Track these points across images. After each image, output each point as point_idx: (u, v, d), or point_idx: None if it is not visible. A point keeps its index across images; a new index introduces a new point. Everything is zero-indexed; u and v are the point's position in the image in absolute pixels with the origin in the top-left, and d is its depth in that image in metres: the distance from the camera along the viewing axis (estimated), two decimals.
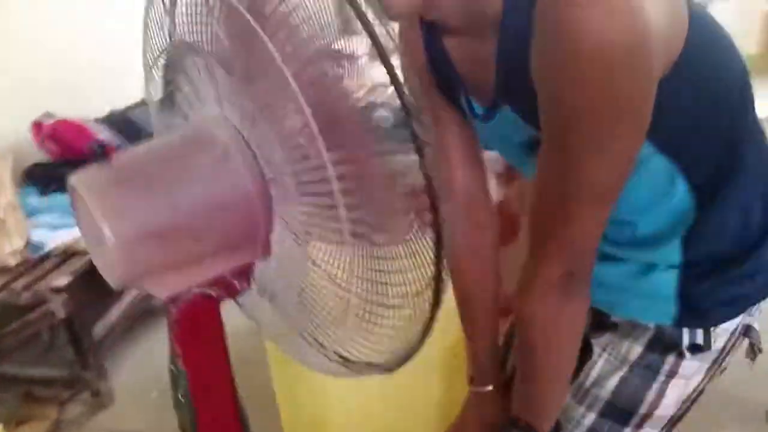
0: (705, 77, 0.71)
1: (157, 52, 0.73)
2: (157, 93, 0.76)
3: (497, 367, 1.00)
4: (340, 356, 0.73)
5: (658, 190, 0.76)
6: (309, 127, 0.56)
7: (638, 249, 0.83)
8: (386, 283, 0.65)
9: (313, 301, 0.72)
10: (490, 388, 0.98)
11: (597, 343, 0.89)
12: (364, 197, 0.59)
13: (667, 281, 0.82)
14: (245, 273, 0.70)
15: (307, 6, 0.60)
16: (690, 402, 0.89)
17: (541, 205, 0.72)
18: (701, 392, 0.89)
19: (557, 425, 0.89)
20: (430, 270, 0.62)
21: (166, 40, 0.72)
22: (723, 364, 0.87)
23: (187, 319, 0.67)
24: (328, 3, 0.60)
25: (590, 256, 0.73)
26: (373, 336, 0.68)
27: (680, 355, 0.84)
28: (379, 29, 0.56)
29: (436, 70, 0.81)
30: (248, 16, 0.57)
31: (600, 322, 0.90)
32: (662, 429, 0.90)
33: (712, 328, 0.83)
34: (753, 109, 0.80)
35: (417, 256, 0.63)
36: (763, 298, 0.84)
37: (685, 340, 0.83)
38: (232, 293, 0.71)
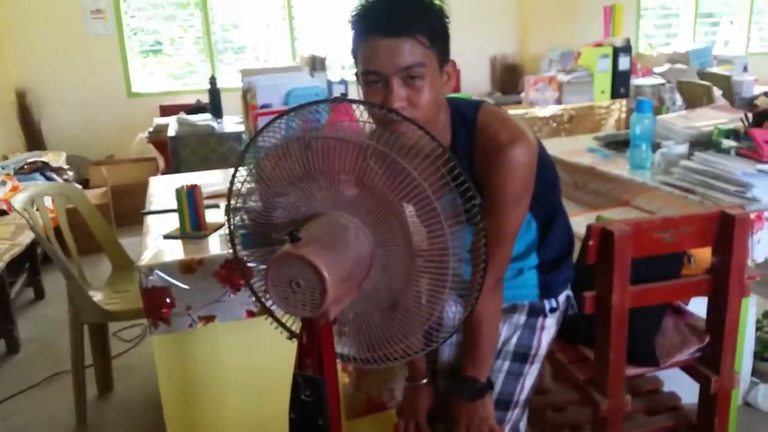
0: (545, 167, 1.33)
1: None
2: None
3: (429, 365, 1.45)
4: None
5: (523, 228, 1.33)
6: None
7: (514, 262, 1.39)
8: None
9: None
10: (425, 381, 1.44)
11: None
12: None
13: (532, 276, 1.44)
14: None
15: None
16: (551, 342, 1.50)
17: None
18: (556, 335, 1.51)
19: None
20: None
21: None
22: (561, 317, 1.50)
23: (328, 337, 1.03)
24: None
25: (505, 270, 1.32)
26: None
27: (545, 316, 1.46)
28: None
29: None
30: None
31: None
32: (542, 363, 1.48)
33: (557, 298, 1.47)
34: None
35: None
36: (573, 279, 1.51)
37: (547, 307, 1.46)
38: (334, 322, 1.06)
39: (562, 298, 1.50)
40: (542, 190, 1.33)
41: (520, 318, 1.45)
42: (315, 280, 0.91)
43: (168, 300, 1.55)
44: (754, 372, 2.37)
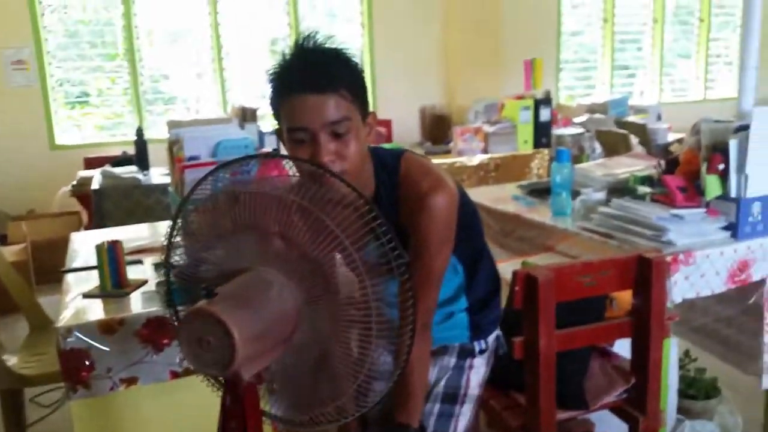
0: (467, 212, 1.39)
1: None
2: None
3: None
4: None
5: (450, 272, 1.39)
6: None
7: (444, 306, 1.44)
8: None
9: None
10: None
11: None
12: None
13: (462, 318, 1.48)
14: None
15: None
16: (483, 384, 1.53)
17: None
18: (485, 380, 1.54)
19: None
20: None
21: None
22: (491, 360, 1.55)
23: (252, 398, 1.01)
24: None
25: (433, 314, 1.35)
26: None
27: (473, 356, 1.50)
28: None
29: None
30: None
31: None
32: (475, 403, 1.50)
33: (486, 338, 1.52)
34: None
35: None
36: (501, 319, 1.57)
37: (477, 348, 1.50)
38: (261, 380, 1.06)
39: (491, 338, 1.55)
40: (465, 233, 1.39)
41: (450, 360, 1.49)
42: (224, 339, 0.88)
43: (87, 362, 1.48)
44: (680, 410, 2.44)
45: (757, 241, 2.06)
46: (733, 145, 1.99)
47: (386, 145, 1.50)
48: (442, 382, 1.47)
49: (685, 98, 7.77)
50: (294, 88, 1.15)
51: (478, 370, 1.50)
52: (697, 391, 2.47)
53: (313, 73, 1.14)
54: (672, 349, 2.27)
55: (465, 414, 1.46)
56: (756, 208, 2.05)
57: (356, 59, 1.23)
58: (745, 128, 2.00)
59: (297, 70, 1.16)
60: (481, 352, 1.52)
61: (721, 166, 2.03)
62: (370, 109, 1.27)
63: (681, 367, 2.50)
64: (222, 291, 0.95)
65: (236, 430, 0.98)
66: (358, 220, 1.01)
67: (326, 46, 1.20)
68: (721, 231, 2.05)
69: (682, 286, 1.98)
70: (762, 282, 2.15)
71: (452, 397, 1.46)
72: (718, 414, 2.46)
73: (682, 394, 2.44)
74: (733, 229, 2.04)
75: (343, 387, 1.07)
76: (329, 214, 0.99)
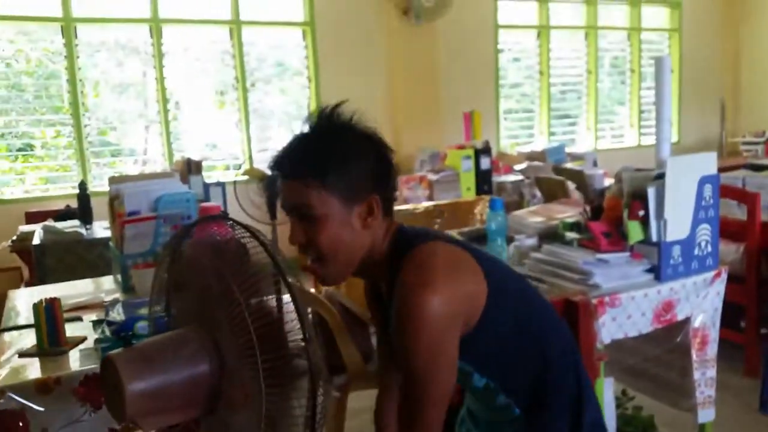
0: (505, 328, 1.17)
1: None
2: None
3: None
4: None
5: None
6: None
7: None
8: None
9: None
10: None
11: None
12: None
13: None
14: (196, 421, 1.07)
15: None
16: None
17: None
18: None
19: None
20: None
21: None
22: None
23: None
24: None
25: None
26: None
27: None
28: None
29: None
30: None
31: None
32: None
33: None
34: (560, 347, 1.24)
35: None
36: None
37: None
38: None
39: None
40: (509, 357, 1.19)
41: None
42: (121, 386, 0.92)
43: (21, 423, 1.46)
44: None
45: (679, 282, 2.19)
46: (651, 192, 2.13)
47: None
48: None
49: (621, 144, 8.15)
50: (277, 170, 1.18)
51: None
52: (635, 429, 2.55)
53: (283, 157, 1.16)
54: (607, 389, 2.35)
55: None
56: (676, 251, 2.18)
57: (357, 142, 1.19)
58: (662, 176, 2.14)
59: (282, 154, 1.18)
60: None
61: (641, 213, 2.17)
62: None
63: (618, 405, 2.58)
64: (137, 344, 0.99)
65: None
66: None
67: (333, 121, 1.19)
68: (644, 273, 2.17)
69: (610, 327, 2.08)
70: (686, 321, 2.27)
71: None
72: None
73: None
74: (656, 272, 2.16)
75: None
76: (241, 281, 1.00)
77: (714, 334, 2.34)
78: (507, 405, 1.20)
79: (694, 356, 2.30)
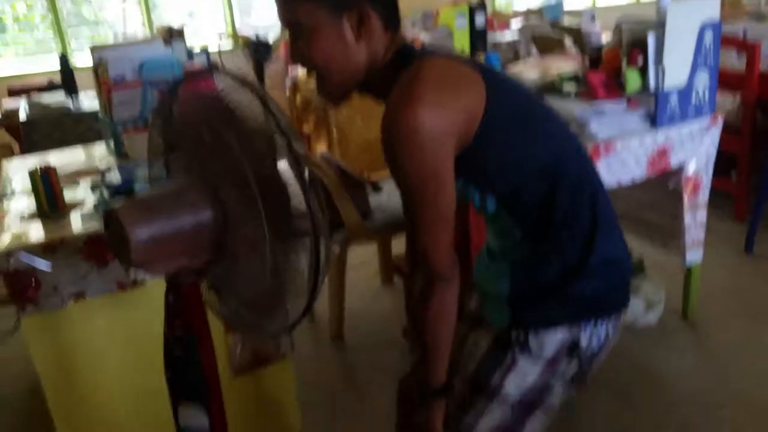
0: (507, 142, 1.07)
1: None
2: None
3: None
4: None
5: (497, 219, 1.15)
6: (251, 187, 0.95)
7: (491, 260, 1.20)
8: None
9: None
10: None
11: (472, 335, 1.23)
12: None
13: (501, 288, 1.16)
14: (205, 266, 1.06)
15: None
16: (536, 392, 1.16)
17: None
18: (545, 389, 1.16)
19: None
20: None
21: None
22: (557, 370, 1.15)
23: (193, 297, 1.06)
24: None
25: (443, 263, 1.07)
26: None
27: (512, 351, 1.14)
28: None
29: None
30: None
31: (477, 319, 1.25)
32: (513, 407, 1.17)
33: (537, 336, 1.13)
34: (575, 173, 1.12)
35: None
36: (578, 322, 1.13)
37: (512, 337, 1.14)
38: (200, 280, 1.09)
39: (553, 341, 1.13)
40: (515, 173, 1.09)
41: (486, 339, 1.20)
42: (125, 236, 0.93)
43: (33, 281, 1.50)
44: None
45: (674, 129, 2.19)
46: (650, 39, 2.07)
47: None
48: (473, 364, 1.19)
49: (619, 1, 7.84)
50: None
51: (521, 374, 1.15)
52: None
53: None
54: None
55: (492, 413, 1.17)
56: (673, 98, 2.16)
57: None
58: (662, 24, 2.07)
59: None
60: (525, 350, 1.14)
61: (640, 61, 2.12)
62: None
63: None
64: (137, 195, 1.00)
65: (180, 327, 1.04)
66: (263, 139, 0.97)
67: None
68: (641, 122, 2.16)
69: (604, 175, 2.09)
70: (680, 169, 2.29)
71: (478, 386, 1.18)
72: (643, 290, 2.66)
73: None
74: (652, 119, 2.15)
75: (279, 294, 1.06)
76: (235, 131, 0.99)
77: (706, 181, 2.37)
78: (512, 228, 1.13)
79: (685, 201, 2.34)
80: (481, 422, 1.17)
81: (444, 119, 1.00)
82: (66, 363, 1.62)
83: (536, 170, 1.09)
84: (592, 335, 1.14)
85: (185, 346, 1.04)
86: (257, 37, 3.76)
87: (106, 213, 0.96)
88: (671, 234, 2.48)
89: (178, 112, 1.12)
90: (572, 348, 1.13)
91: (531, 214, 1.11)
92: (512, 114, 1.09)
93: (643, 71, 2.15)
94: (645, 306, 2.62)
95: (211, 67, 1.11)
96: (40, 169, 1.66)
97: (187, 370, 1.05)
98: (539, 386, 1.15)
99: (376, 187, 2.78)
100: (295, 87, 3.97)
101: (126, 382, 1.70)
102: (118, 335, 1.66)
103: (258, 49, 3.51)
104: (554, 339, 1.13)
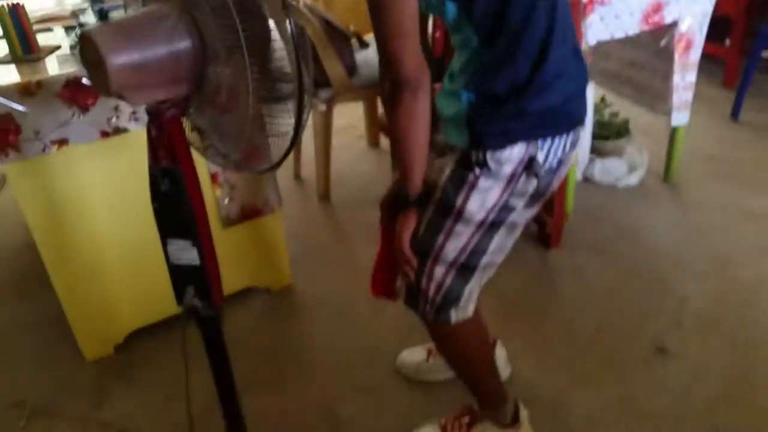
0: None
1: None
2: None
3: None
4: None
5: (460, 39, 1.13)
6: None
7: (451, 82, 1.18)
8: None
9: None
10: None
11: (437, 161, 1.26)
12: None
13: (460, 111, 1.15)
14: (186, 99, 1.05)
15: None
16: (497, 210, 1.19)
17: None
18: (506, 207, 1.19)
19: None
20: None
21: None
22: (517, 187, 1.16)
23: (175, 128, 1.04)
24: None
25: (410, 69, 1.06)
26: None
27: (472, 171, 1.15)
28: None
29: None
30: None
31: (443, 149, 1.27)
32: (478, 226, 1.20)
33: (494, 154, 1.13)
34: None
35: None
36: (534, 138, 1.12)
37: (473, 159, 1.15)
38: (182, 113, 1.06)
39: (507, 155, 1.14)
40: None
41: (450, 163, 1.22)
42: (102, 61, 0.90)
43: (13, 126, 1.47)
44: (593, 150, 2.65)
45: None
46: None
47: None
48: (441, 186, 1.22)
49: None
50: None
51: (483, 193, 1.17)
52: (609, 131, 2.65)
53: None
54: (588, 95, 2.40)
55: (458, 234, 1.21)
56: None
57: None
58: None
59: None
60: (485, 169, 1.15)
61: None
62: None
63: (596, 112, 2.66)
64: (114, 19, 0.96)
65: (165, 158, 1.03)
66: None
67: None
68: None
69: (597, 28, 2.04)
70: (673, 24, 2.23)
71: (444, 208, 1.21)
72: (627, 152, 2.69)
73: (596, 136, 2.63)
74: None
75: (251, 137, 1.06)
76: None
77: (699, 39, 2.32)
78: (471, 37, 1.12)
79: (676, 59, 2.30)
80: (449, 243, 1.22)
81: None
82: (53, 210, 1.63)
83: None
84: (549, 151, 1.14)
85: (172, 178, 1.04)
86: None
87: (82, 35, 0.93)
88: (660, 95, 2.46)
89: None
90: (530, 164, 1.14)
91: (486, 19, 1.08)
92: None
93: None
94: (628, 168, 2.65)
95: None
96: (8, 6, 1.58)
97: (175, 204, 1.06)
98: (501, 205, 1.18)
99: (363, 43, 2.69)
100: None
101: (113, 228, 1.73)
102: (103, 182, 1.65)
103: None
104: (511, 156, 1.13)
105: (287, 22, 0.92)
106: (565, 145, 1.16)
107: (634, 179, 2.65)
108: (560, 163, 1.18)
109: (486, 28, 1.09)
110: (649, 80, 2.49)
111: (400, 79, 1.07)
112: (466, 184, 1.17)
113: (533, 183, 1.16)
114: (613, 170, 2.64)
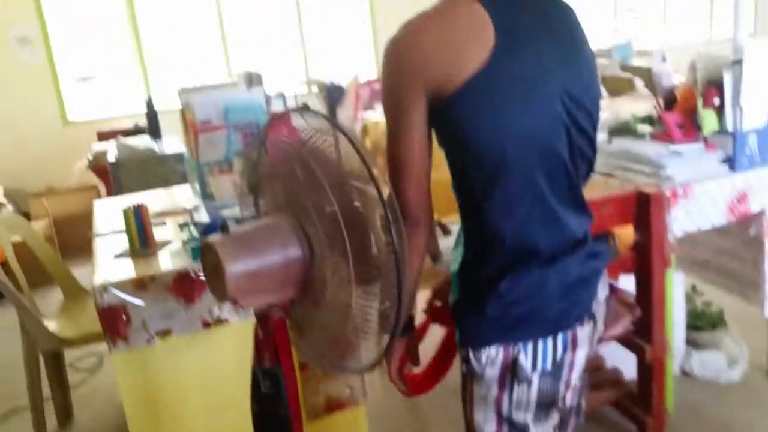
0: (484, 112, 0.98)
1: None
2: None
3: None
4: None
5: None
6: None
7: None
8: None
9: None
10: None
11: None
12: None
13: (454, 292, 1.13)
14: (291, 302, 1.11)
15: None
16: (502, 425, 1.11)
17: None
18: (514, 425, 1.10)
19: None
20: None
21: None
22: (513, 398, 1.08)
23: (281, 331, 1.11)
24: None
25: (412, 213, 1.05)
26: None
27: (466, 381, 1.11)
28: None
29: None
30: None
31: None
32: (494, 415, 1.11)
33: (476, 355, 1.07)
34: (526, 178, 1.03)
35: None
36: (511, 341, 1.05)
37: (462, 357, 1.11)
38: (287, 316, 1.14)
39: (492, 360, 1.07)
40: (450, 138, 1.07)
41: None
42: (221, 269, 0.97)
43: (124, 317, 1.58)
44: (688, 342, 2.54)
45: (754, 172, 2.13)
46: (727, 78, 2.04)
47: None
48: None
49: (691, 39, 7.71)
50: None
51: (480, 403, 1.12)
52: (704, 323, 2.56)
53: None
54: (678, 284, 2.35)
55: (478, 414, 1.13)
56: (752, 140, 2.11)
57: None
58: (739, 62, 2.04)
59: None
60: (469, 369, 1.10)
61: (717, 101, 2.09)
62: None
63: (688, 301, 2.59)
64: (233, 230, 1.06)
65: (269, 359, 1.08)
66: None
67: None
68: (719, 164, 2.11)
69: (683, 221, 2.05)
70: (761, 213, 2.22)
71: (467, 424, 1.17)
72: (724, 344, 2.55)
73: (691, 326, 2.54)
74: (731, 162, 2.10)
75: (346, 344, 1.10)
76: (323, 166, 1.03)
77: None
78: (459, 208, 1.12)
79: (766, 248, 2.25)
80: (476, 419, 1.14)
81: (414, 59, 0.99)
82: (151, 399, 1.68)
83: (481, 160, 1.02)
84: (536, 354, 1.05)
85: (273, 379, 1.08)
86: (331, 81, 3.89)
87: (204, 244, 1.02)
88: (752, 283, 2.38)
89: (267, 153, 1.18)
90: (513, 368, 1.05)
91: (464, 203, 1.09)
92: (496, 94, 0.99)
93: (720, 111, 2.11)
94: (727, 361, 2.51)
95: (304, 107, 1.14)
96: (133, 207, 1.77)
97: (275, 404, 1.08)
98: (501, 414, 1.09)
99: (446, 230, 2.80)
100: (365, 130, 4.07)
101: (205, 420, 1.74)
102: (200, 373, 1.71)
103: (332, 93, 3.63)
104: (490, 357, 1.05)
105: (391, 233, 0.97)
106: (555, 347, 1.06)
107: (735, 374, 2.49)
108: (557, 365, 1.07)
109: (464, 211, 1.11)
110: (739, 269, 2.43)
111: (402, 212, 1.01)
112: (467, 396, 1.13)
113: (531, 390, 1.07)
114: (712, 364, 2.51)
